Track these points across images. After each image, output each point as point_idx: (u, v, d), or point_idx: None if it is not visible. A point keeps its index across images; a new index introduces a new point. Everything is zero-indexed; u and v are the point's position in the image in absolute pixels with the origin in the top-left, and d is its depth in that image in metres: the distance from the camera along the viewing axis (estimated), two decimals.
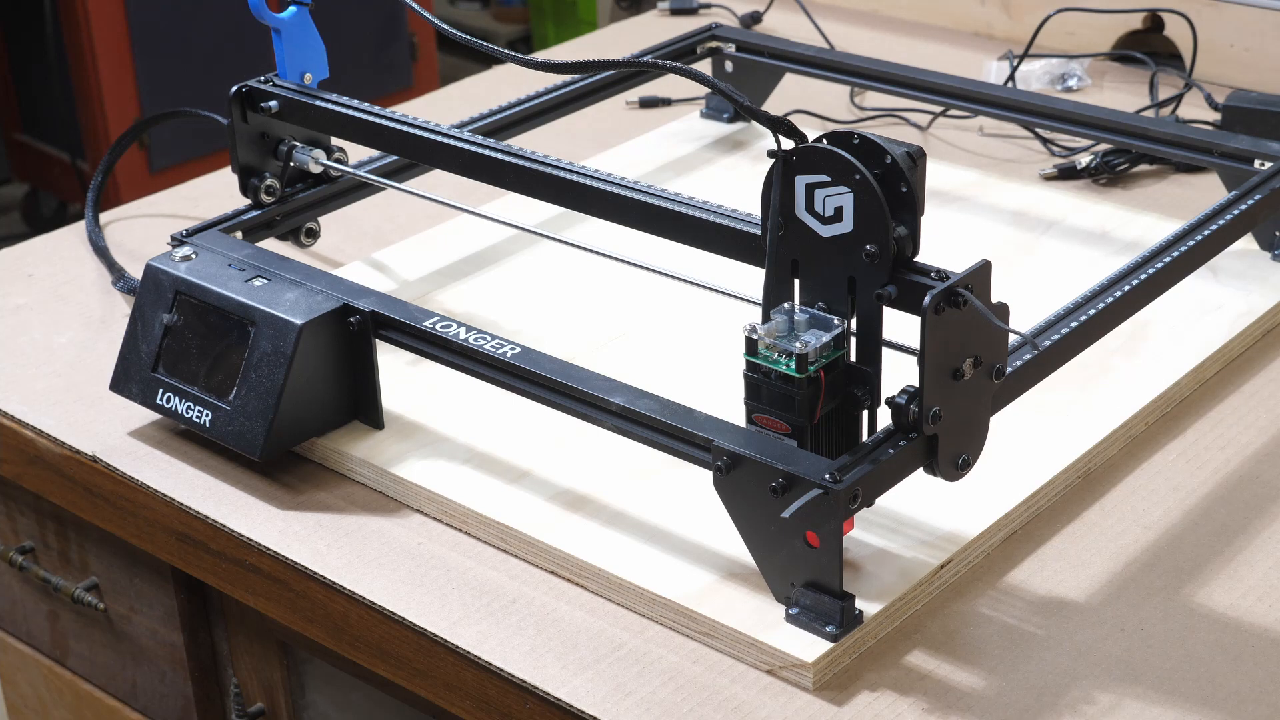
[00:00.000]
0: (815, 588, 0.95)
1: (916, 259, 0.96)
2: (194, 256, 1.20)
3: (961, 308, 0.92)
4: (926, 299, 0.91)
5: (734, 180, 1.52)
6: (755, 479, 0.95)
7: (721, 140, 1.60)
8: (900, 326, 0.96)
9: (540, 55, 1.81)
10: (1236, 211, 1.23)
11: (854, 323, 0.97)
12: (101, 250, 1.43)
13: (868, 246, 0.94)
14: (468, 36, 1.12)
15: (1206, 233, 1.19)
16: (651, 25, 1.94)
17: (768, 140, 1.33)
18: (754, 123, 1.53)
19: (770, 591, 0.98)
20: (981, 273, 0.94)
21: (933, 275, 0.94)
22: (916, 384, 0.94)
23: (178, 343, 1.16)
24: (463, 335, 1.10)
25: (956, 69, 1.57)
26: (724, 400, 1.04)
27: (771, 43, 1.60)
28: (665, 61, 0.97)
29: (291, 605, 1.08)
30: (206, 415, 1.13)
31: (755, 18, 1.90)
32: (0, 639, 1.45)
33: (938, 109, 1.62)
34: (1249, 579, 1.02)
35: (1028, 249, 1.38)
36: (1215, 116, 1.58)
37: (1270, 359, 1.24)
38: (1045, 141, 1.57)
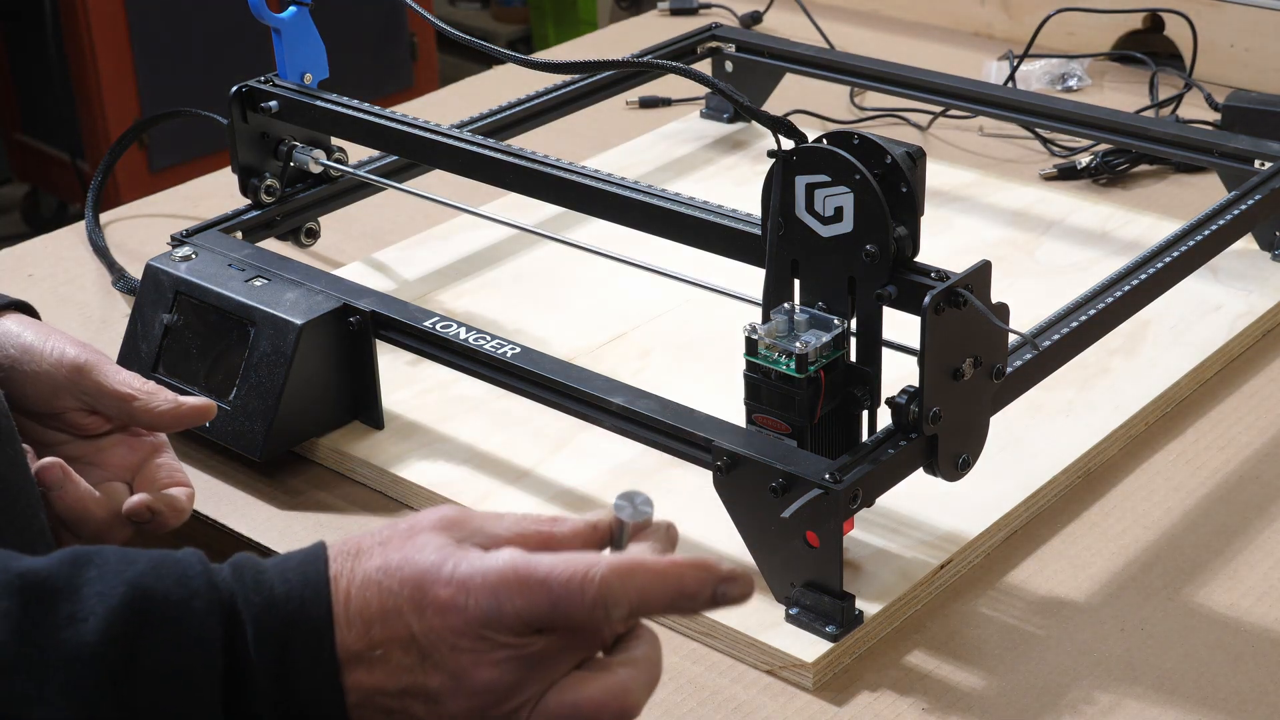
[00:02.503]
0: (815, 588, 0.95)
1: (916, 259, 0.96)
2: (194, 256, 1.20)
3: (961, 308, 0.92)
4: (926, 299, 0.91)
5: (734, 180, 1.52)
6: (755, 479, 0.95)
7: (721, 140, 1.60)
8: (900, 326, 0.96)
9: (540, 55, 1.81)
10: (1236, 211, 1.23)
11: (854, 323, 0.97)
12: (101, 250, 1.43)
13: (868, 246, 0.94)
14: (468, 36, 1.12)
15: (1206, 233, 1.19)
16: (651, 25, 1.94)
17: (768, 140, 1.33)
18: (754, 123, 1.53)
19: (770, 591, 0.98)
20: (981, 273, 0.94)
21: (933, 275, 0.94)
22: (916, 384, 0.94)
23: (178, 343, 1.16)
24: (463, 335, 1.10)
25: (956, 69, 1.57)
26: (724, 400, 1.04)
27: (771, 43, 1.60)
28: (665, 61, 0.97)
29: None
30: None
31: (755, 18, 1.90)
32: None
33: (938, 109, 1.62)
34: (1249, 579, 1.02)
35: (1028, 249, 1.38)
36: (1215, 116, 1.58)
37: (1270, 359, 1.24)
38: (1045, 141, 1.57)
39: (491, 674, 0.69)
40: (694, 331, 1.26)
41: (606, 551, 0.74)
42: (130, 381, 0.97)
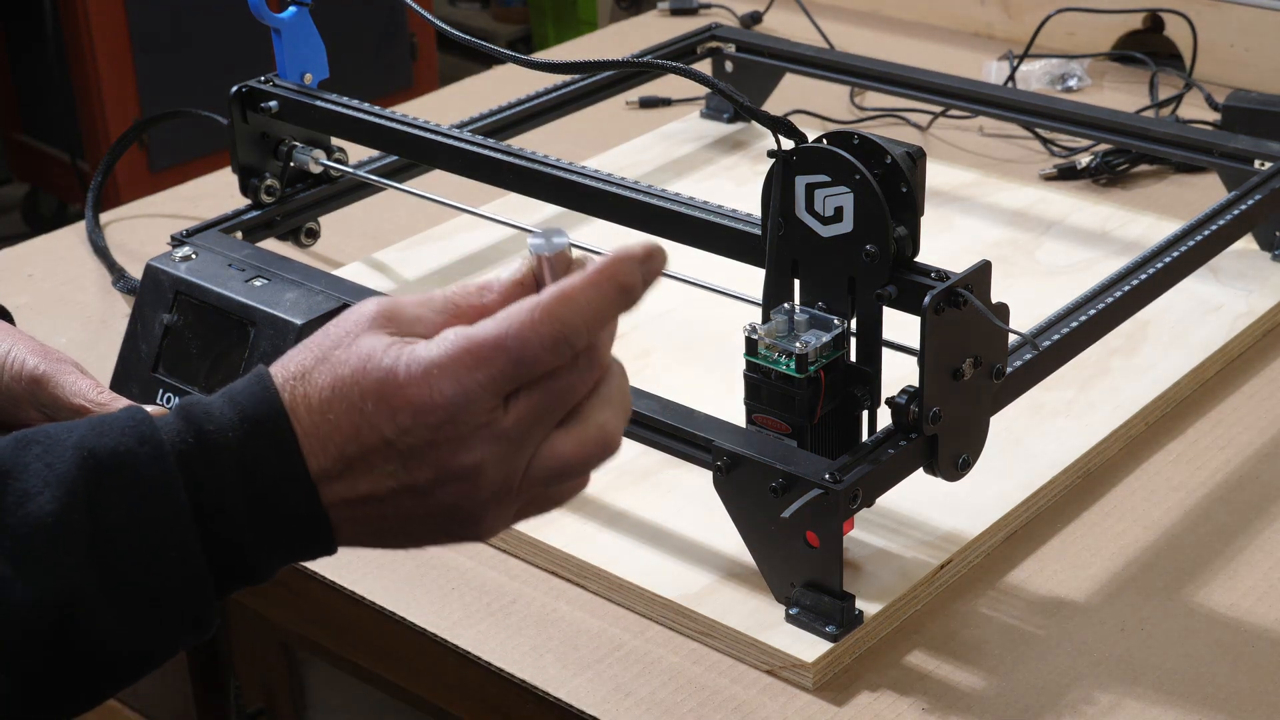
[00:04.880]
0: (815, 588, 0.95)
1: (916, 259, 0.96)
2: (194, 256, 1.20)
3: (961, 308, 0.92)
4: (926, 299, 0.91)
5: (734, 180, 1.52)
6: (755, 479, 0.95)
7: (721, 140, 1.60)
8: (900, 326, 0.96)
9: (540, 55, 1.81)
10: (1236, 211, 1.23)
11: (854, 323, 0.97)
12: (101, 250, 1.43)
13: (868, 246, 0.94)
14: (468, 36, 1.12)
15: (1206, 233, 1.19)
16: (651, 25, 1.94)
17: (768, 140, 1.33)
18: (754, 123, 1.53)
19: (770, 591, 0.98)
20: (981, 273, 0.94)
21: (933, 275, 0.94)
22: (916, 384, 0.94)
23: (178, 343, 1.16)
24: None
25: (956, 69, 1.57)
26: (724, 400, 1.04)
27: (771, 43, 1.60)
28: (665, 61, 0.97)
29: (291, 605, 1.08)
30: None
31: (755, 18, 1.91)
32: None
33: (938, 109, 1.62)
34: (1249, 579, 1.02)
35: (1028, 249, 1.38)
36: (1215, 116, 1.58)
37: (1270, 359, 1.24)
38: (1045, 141, 1.57)
39: (473, 456, 0.69)
40: (694, 331, 1.26)
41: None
42: (86, 393, 0.95)
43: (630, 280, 0.70)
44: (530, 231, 0.76)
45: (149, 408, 0.90)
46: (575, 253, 0.73)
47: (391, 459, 0.69)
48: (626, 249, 0.71)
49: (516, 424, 0.69)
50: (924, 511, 1.05)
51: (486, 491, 0.70)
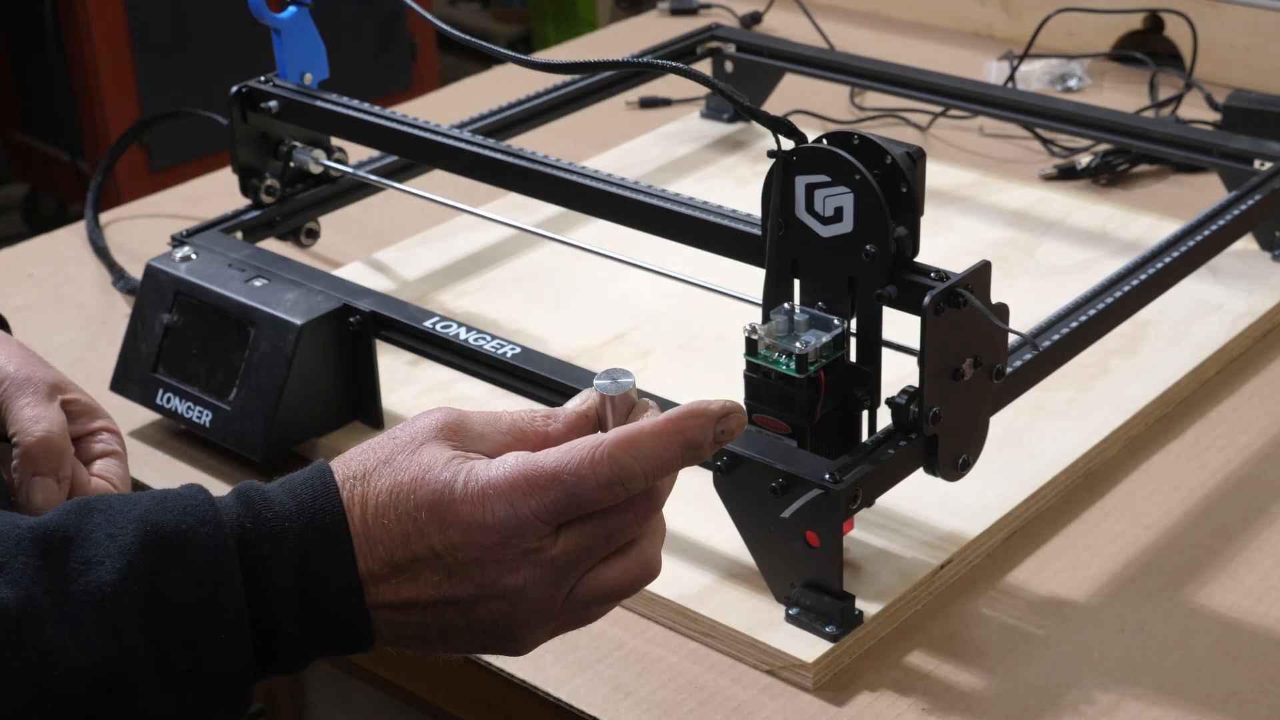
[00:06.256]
0: (815, 588, 0.95)
1: (916, 259, 0.96)
2: (194, 256, 1.20)
3: (961, 308, 0.92)
4: (926, 299, 0.91)
5: (734, 180, 1.52)
6: (755, 479, 0.95)
7: (721, 140, 1.60)
8: (900, 326, 0.96)
9: (540, 55, 1.81)
10: (1236, 211, 1.23)
11: (854, 323, 0.97)
12: (101, 250, 1.43)
13: (868, 246, 0.94)
14: (468, 36, 1.12)
15: (1206, 233, 1.19)
16: (651, 25, 1.94)
17: (768, 140, 1.33)
18: (754, 123, 1.53)
19: (770, 591, 0.98)
20: (981, 273, 0.94)
21: (933, 275, 0.94)
22: (916, 384, 0.94)
23: (178, 343, 1.16)
24: (463, 335, 1.10)
25: (956, 69, 1.57)
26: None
27: (771, 43, 1.60)
28: (665, 61, 0.96)
29: None
30: (206, 415, 1.13)
31: (755, 18, 1.91)
32: None
33: (938, 109, 1.62)
34: (1249, 579, 1.02)
35: (1028, 249, 1.38)
36: (1215, 116, 1.58)
37: (1270, 359, 1.24)
38: (1045, 141, 1.57)
39: (517, 578, 0.71)
40: (694, 331, 1.26)
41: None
42: (22, 425, 0.91)
43: (699, 438, 0.73)
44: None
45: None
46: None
47: (437, 570, 0.71)
48: (704, 405, 0.73)
49: (564, 553, 0.71)
50: (924, 511, 1.05)
51: (526, 612, 0.72)
